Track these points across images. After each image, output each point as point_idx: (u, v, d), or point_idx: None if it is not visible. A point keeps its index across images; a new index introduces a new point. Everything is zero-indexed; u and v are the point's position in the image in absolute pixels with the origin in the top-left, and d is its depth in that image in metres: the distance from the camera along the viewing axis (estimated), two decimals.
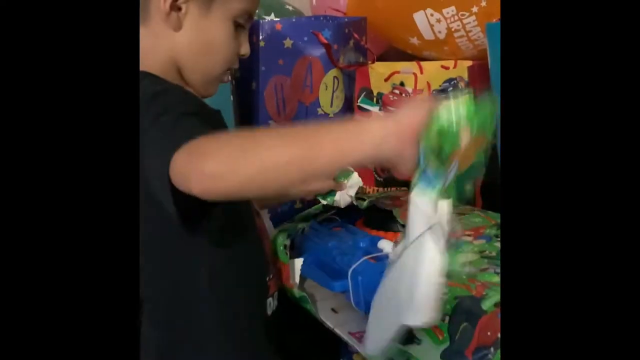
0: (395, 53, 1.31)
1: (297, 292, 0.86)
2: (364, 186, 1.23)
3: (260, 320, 0.80)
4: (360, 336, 0.80)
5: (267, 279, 0.83)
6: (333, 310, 0.86)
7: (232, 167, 0.53)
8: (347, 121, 0.55)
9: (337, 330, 0.81)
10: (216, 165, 0.53)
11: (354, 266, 0.80)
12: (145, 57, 0.74)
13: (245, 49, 0.80)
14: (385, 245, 0.99)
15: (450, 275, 0.70)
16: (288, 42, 1.15)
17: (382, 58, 1.31)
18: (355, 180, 1.08)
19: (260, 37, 1.14)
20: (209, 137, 0.55)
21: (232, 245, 0.77)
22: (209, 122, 0.64)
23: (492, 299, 0.67)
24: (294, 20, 1.21)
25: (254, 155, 0.53)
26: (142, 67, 0.75)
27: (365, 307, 0.81)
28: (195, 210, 0.61)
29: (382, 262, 0.79)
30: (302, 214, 1.08)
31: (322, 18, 1.20)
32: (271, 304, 0.81)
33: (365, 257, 0.81)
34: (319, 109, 1.21)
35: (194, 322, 0.76)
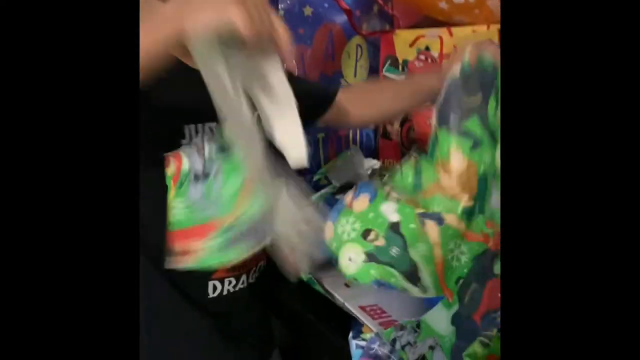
0: (425, 23, 1.23)
1: (304, 275, 0.82)
2: (392, 160, 1.17)
3: (197, 301, 0.76)
4: (370, 310, 0.75)
5: None
6: (346, 285, 0.81)
7: None
8: None
9: (348, 305, 0.76)
10: None
11: None
12: None
13: None
14: None
15: None
16: (308, 10, 1.10)
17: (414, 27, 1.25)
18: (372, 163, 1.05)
19: (280, 7, 1.10)
20: None
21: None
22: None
23: None
24: None
25: None
26: None
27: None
28: None
29: None
30: (317, 194, 1.03)
31: None
32: (217, 286, 0.77)
33: None
34: (342, 80, 1.16)
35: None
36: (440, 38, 1.06)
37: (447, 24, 1.16)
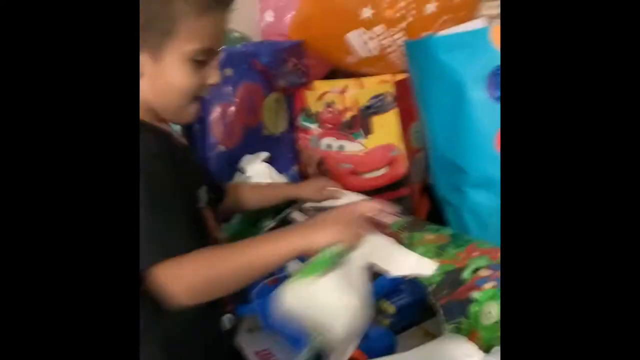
0: (342, 71, 1.36)
1: None
2: None
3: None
4: (264, 354, 0.87)
5: None
6: (250, 330, 0.92)
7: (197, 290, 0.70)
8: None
9: (246, 350, 0.88)
10: (186, 290, 0.70)
11: (254, 290, 0.87)
12: None
13: (213, 78, 0.84)
14: None
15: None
16: (229, 71, 1.22)
17: (331, 76, 1.37)
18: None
19: None
20: (181, 267, 0.70)
21: None
22: (181, 173, 0.77)
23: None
24: (234, 48, 1.27)
25: (215, 286, 0.71)
26: None
27: (270, 327, 0.87)
28: None
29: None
30: None
31: (260, 44, 1.26)
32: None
33: (265, 281, 0.87)
34: (264, 130, 1.27)
35: None
36: (343, 91, 1.19)
37: (358, 74, 1.29)
